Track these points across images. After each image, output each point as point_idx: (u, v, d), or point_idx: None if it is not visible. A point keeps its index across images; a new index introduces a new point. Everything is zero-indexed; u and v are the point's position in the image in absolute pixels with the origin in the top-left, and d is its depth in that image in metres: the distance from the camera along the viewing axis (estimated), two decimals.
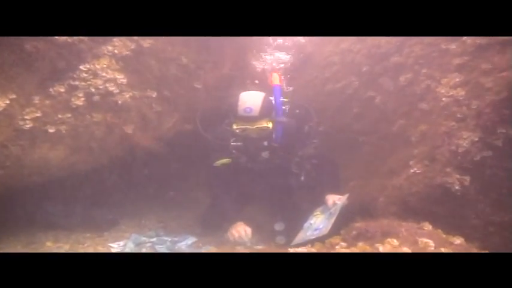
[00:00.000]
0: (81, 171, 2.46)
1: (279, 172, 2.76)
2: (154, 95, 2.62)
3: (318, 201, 2.60)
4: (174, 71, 2.73)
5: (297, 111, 2.86)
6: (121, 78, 2.40)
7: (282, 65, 3.14)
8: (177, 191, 3.64)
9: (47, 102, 2.14)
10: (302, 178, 2.69)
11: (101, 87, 2.30)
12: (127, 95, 2.44)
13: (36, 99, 2.13)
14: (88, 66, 2.28)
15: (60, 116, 2.19)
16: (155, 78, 2.63)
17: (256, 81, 2.93)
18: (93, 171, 2.51)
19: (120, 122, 2.46)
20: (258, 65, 3.43)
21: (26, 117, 2.06)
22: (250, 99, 2.44)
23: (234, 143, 2.53)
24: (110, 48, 2.36)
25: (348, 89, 3.29)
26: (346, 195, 2.43)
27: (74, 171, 2.44)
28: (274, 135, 2.58)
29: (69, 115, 2.21)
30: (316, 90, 3.83)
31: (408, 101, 2.62)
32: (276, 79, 2.68)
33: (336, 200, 2.44)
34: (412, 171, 2.23)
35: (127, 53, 2.42)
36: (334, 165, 2.86)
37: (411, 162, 2.29)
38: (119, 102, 2.41)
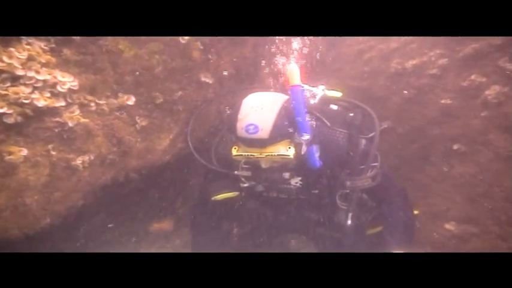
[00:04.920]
0: (12, 242, 1.42)
1: (316, 206, 1.73)
2: (132, 101, 1.54)
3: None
4: (168, 60, 1.62)
5: (351, 114, 1.74)
6: (69, 80, 1.31)
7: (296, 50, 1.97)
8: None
9: None
10: (349, 222, 1.65)
11: (26, 101, 1.22)
12: (83, 110, 1.37)
13: None
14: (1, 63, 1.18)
15: None
16: (132, 73, 1.53)
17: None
18: (31, 238, 1.46)
19: (74, 157, 1.40)
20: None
21: None
22: (256, 111, 1.41)
23: (239, 173, 1.54)
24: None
25: (425, 68, 2.25)
26: None
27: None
28: (309, 160, 1.53)
29: None
30: (355, 67, 2.78)
31: None
32: (294, 76, 1.40)
33: None
34: None
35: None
36: (406, 201, 1.78)
37: None
38: (69, 123, 1.34)
